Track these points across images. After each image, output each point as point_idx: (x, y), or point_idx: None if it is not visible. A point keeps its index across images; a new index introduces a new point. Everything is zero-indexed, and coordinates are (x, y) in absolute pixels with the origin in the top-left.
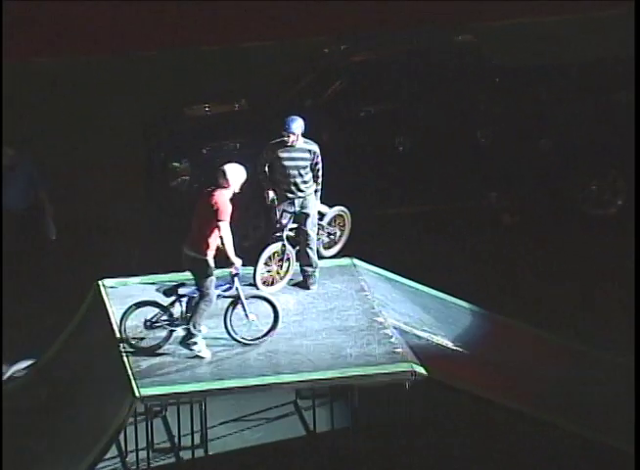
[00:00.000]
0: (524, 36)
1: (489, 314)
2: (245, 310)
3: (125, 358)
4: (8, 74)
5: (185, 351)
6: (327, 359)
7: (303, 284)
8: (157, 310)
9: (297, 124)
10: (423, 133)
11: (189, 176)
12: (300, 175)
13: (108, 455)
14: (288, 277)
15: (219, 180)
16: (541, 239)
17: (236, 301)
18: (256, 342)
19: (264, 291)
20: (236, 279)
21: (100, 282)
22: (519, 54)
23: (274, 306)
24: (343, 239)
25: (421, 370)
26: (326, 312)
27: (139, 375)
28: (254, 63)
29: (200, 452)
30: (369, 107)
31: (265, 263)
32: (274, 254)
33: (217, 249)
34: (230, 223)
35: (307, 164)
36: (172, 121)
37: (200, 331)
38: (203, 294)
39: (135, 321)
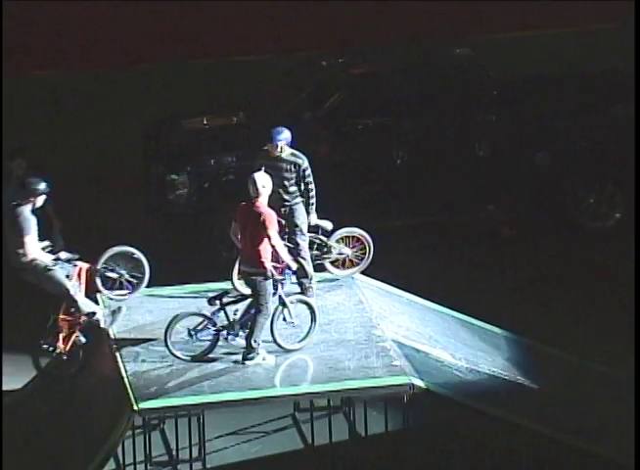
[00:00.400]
0: (522, 49)
1: (488, 327)
2: (290, 316)
3: (123, 371)
4: (8, 87)
5: (186, 363)
6: (325, 372)
7: None
8: (200, 320)
9: (283, 136)
10: (421, 146)
11: (187, 189)
12: (283, 186)
13: (105, 469)
14: None
15: (252, 190)
16: (540, 252)
17: (281, 306)
18: (298, 346)
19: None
20: (279, 286)
21: (98, 296)
22: (517, 67)
23: (312, 308)
24: (362, 265)
25: (419, 383)
26: (324, 325)
27: (137, 388)
28: (253, 75)
29: (198, 466)
30: (367, 119)
31: None
32: None
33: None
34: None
35: (291, 176)
36: (170, 134)
37: (259, 344)
38: (261, 308)
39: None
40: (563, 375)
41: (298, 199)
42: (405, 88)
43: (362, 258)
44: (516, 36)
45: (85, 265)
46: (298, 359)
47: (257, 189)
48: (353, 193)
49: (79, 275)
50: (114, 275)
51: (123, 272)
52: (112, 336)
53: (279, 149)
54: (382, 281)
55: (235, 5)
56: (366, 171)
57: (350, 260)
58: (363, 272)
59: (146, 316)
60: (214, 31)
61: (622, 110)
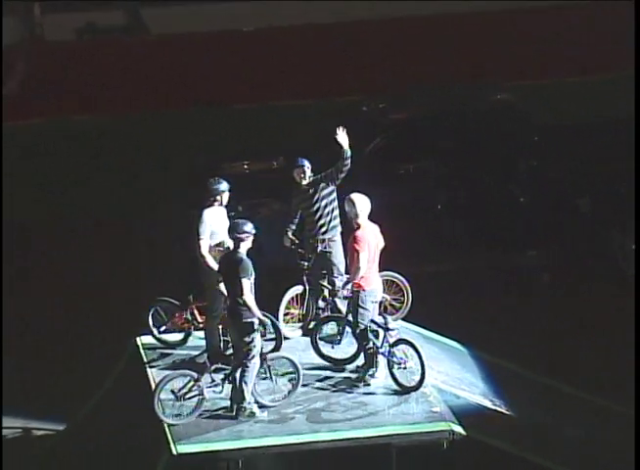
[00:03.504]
0: (562, 95)
1: (529, 374)
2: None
3: (162, 415)
4: (46, 131)
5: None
6: (364, 417)
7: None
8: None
9: (308, 163)
10: (461, 191)
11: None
12: (317, 215)
13: None
14: (309, 320)
15: (353, 212)
16: (580, 297)
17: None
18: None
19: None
20: None
21: (137, 339)
22: (557, 112)
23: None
24: (402, 311)
25: (459, 429)
26: None
27: (176, 432)
28: (293, 120)
29: None
30: (408, 164)
31: (289, 303)
32: (296, 296)
33: None
34: None
35: (325, 197)
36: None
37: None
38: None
39: None
40: (599, 422)
41: (335, 231)
42: (446, 134)
43: (401, 302)
44: (556, 82)
45: None
46: (337, 404)
47: (357, 210)
48: (392, 237)
49: None
50: None
51: None
52: (151, 381)
53: (303, 174)
54: (421, 326)
55: (277, 51)
56: (406, 216)
57: (391, 305)
58: (403, 317)
59: None
60: (255, 77)
61: None
